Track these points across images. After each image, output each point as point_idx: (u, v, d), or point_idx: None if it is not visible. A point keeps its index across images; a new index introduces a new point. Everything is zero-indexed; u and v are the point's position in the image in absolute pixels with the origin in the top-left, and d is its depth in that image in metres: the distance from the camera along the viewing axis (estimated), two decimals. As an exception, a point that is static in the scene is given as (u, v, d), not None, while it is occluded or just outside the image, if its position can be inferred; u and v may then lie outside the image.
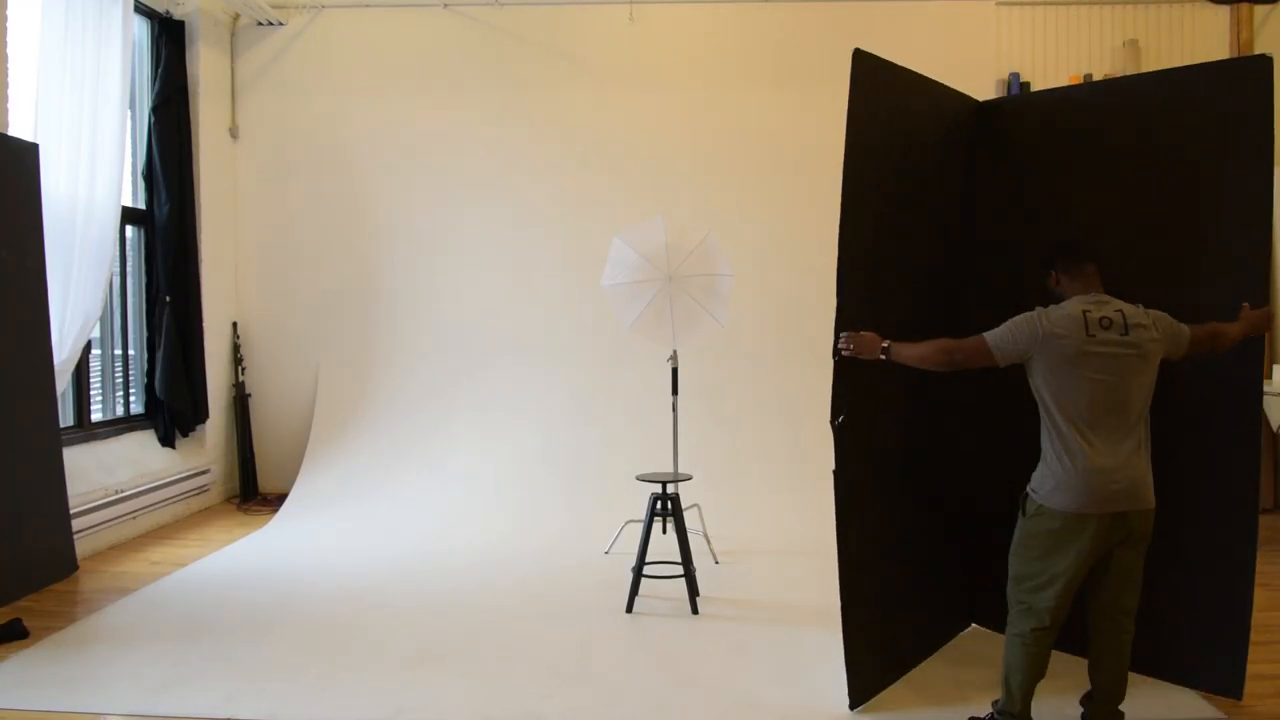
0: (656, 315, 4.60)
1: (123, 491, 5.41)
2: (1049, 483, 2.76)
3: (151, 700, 3.21)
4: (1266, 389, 5.40)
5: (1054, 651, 3.55)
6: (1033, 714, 2.94)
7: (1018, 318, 2.79)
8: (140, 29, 6.10)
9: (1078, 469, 2.70)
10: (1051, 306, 2.82)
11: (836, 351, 3.05)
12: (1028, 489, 2.85)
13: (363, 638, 3.83)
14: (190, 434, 6.31)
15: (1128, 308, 2.80)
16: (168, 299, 6.04)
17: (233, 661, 3.56)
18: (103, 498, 5.23)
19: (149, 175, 6.04)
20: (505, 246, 6.69)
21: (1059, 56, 6.59)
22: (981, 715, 3.01)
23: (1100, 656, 2.93)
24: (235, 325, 6.79)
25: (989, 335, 2.81)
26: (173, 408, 6.06)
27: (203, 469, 6.27)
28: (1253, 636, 3.14)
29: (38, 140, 4.72)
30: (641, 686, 3.34)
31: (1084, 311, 2.75)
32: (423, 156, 6.73)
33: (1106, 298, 2.83)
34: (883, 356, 2.97)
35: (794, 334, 6.45)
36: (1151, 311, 2.83)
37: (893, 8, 6.50)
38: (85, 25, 5.11)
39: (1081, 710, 3.02)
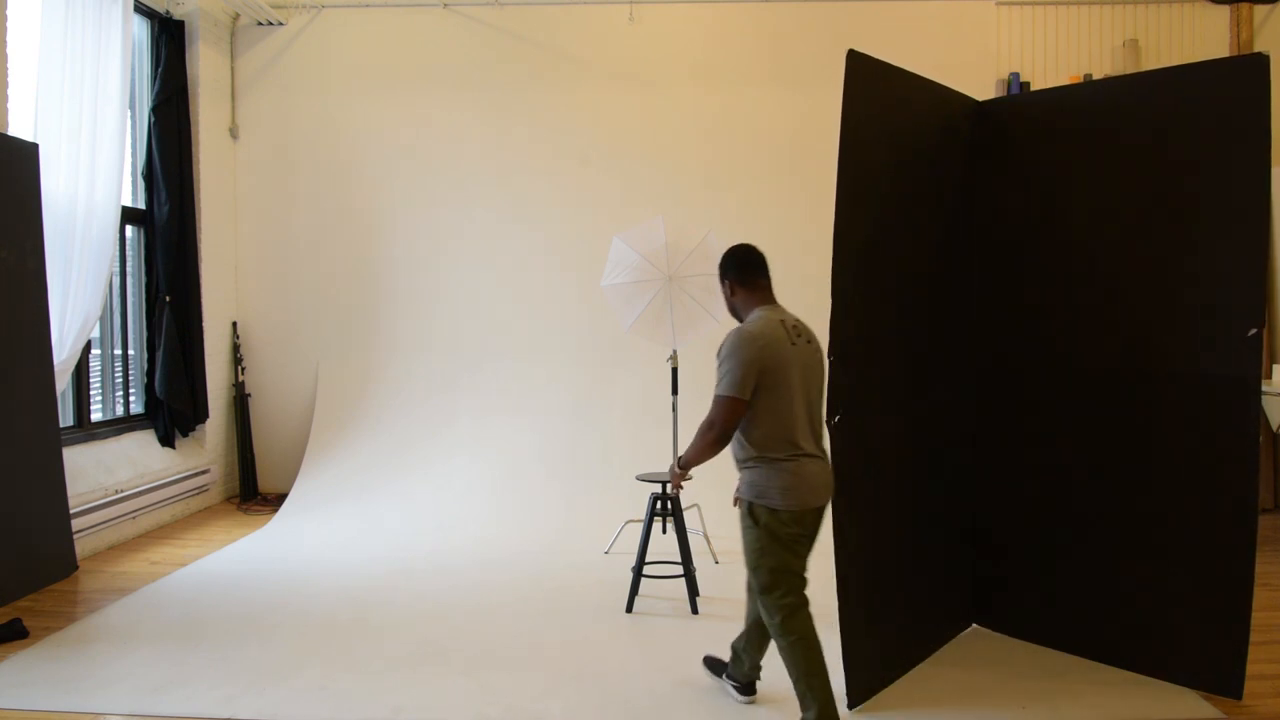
0: (656, 315, 4.60)
1: (123, 491, 5.42)
2: (774, 486, 2.79)
3: (151, 700, 3.21)
4: (1266, 389, 5.40)
5: (1054, 651, 3.60)
6: (1034, 716, 2.94)
7: (733, 350, 2.80)
8: (140, 29, 6.10)
9: (800, 470, 2.80)
10: (747, 322, 2.90)
11: (832, 351, 3.05)
12: (749, 500, 2.85)
13: (363, 638, 3.83)
14: (190, 434, 6.31)
15: (799, 320, 2.96)
16: (168, 299, 6.04)
17: (232, 661, 3.56)
18: (103, 498, 5.23)
19: (149, 175, 6.04)
20: (505, 246, 6.69)
21: (1059, 56, 6.59)
22: None
23: (761, 634, 3.08)
24: (235, 325, 6.79)
25: (725, 388, 2.79)
26: (173, 408, 6.06)
27: (203, 469, 6.27)
28: (1253, 636, 3.15)
29: (38, 140, 4.72)
30: (641, 686, 3.34)
31: (780, 321, 2.88)
32: (422, 156, 6.73)
33: (783, 309, 2.98)
34: (680, 470, 3.07)
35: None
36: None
37: (893, 7, 6.50)
38: (85, 25, 5.11)
39: (730, 674, 3.21)
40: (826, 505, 2.93)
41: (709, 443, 2.85)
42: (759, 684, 3.22)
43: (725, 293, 3.08)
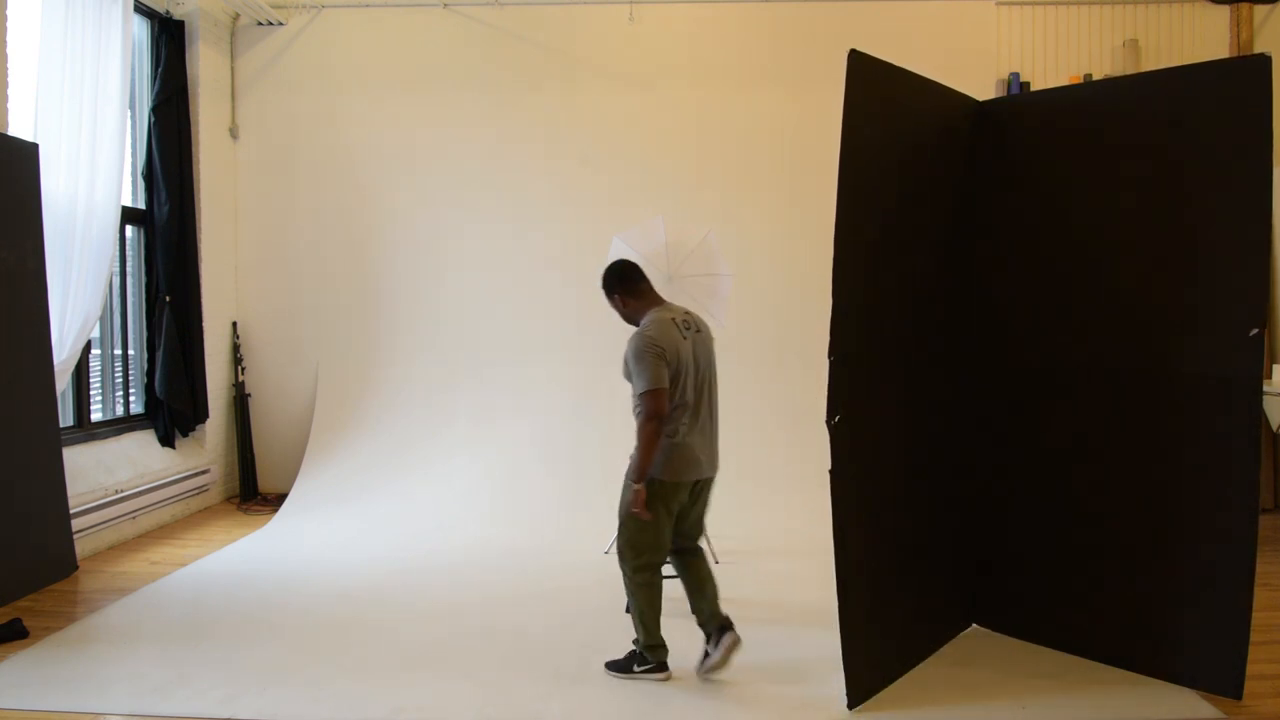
0: (656, 315, 4.59)
1: (123, 491, 5.41)
2: (658, 460, 3.16)
3: (151, 700, 3.21)
4: (1266, 389, 5.40)
5: (1054, 651, 3.62)
6: (1034, 715, 2.95)
7: (639, 355, 3.12)
8: (140, 29, 6.10)
9: (681, 446, 3.18)
10: (642, 326, 3.22)
11: (832, 351, 3.05)
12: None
13: (362, 638, 3.83)
14: (190, 434, 6.31)
15: (688, 312, 3.35)
16: (168, 299, 6.04)
17: (232, 662, 3.56)
18: (103, 498, 5.23)
19: (149, 175, 6.04)
20: (504, 246, 6.69)
21: (1059, 56, 6.59)
22: (622, 657, 3.43)
23: (700, 583, 3.41)
24: (235, 325, 6.79)
25: (647, 383, 3.09)
26: (173, 408, 6.05)
27: (203, 469, 6.27)
28: (1253, 636, 3.14)
29: (38, 140, 4.71)
30: (641, 686, 3.34)
31: (671, 319, 3.23)
32: (422, 156, 6.73)
33: (672, 306, 3.35)
34: (638, 485, 3.16)
35: (793, 333, 6.44)
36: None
37: (893, 7, 6.50)
38: (85, 25, 5.11)
39: (706, 636, 3.41)
40: (709, 478, 3.34)
41: (651, 434, 3.11)
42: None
43: (617, 306, 3.40)
